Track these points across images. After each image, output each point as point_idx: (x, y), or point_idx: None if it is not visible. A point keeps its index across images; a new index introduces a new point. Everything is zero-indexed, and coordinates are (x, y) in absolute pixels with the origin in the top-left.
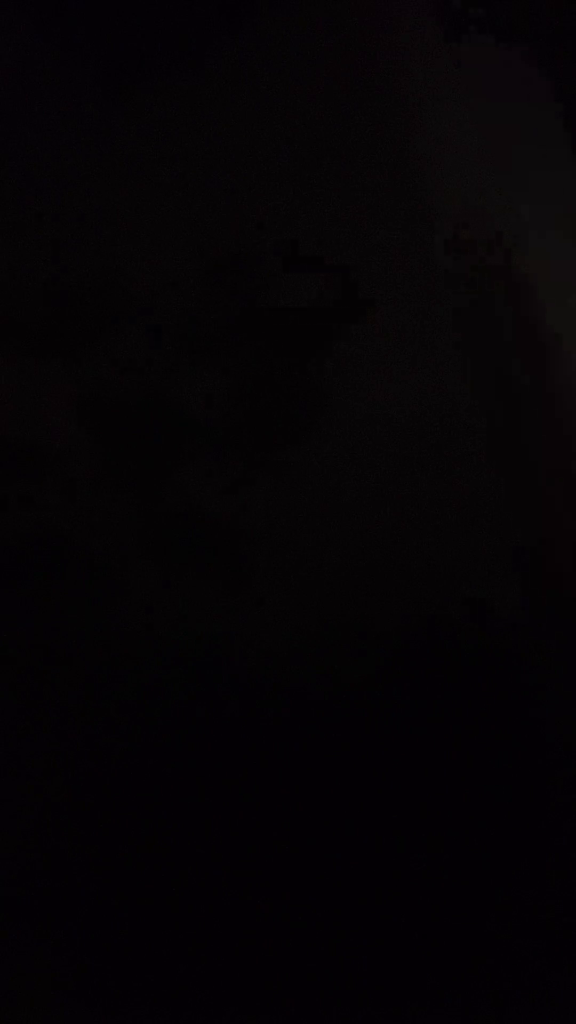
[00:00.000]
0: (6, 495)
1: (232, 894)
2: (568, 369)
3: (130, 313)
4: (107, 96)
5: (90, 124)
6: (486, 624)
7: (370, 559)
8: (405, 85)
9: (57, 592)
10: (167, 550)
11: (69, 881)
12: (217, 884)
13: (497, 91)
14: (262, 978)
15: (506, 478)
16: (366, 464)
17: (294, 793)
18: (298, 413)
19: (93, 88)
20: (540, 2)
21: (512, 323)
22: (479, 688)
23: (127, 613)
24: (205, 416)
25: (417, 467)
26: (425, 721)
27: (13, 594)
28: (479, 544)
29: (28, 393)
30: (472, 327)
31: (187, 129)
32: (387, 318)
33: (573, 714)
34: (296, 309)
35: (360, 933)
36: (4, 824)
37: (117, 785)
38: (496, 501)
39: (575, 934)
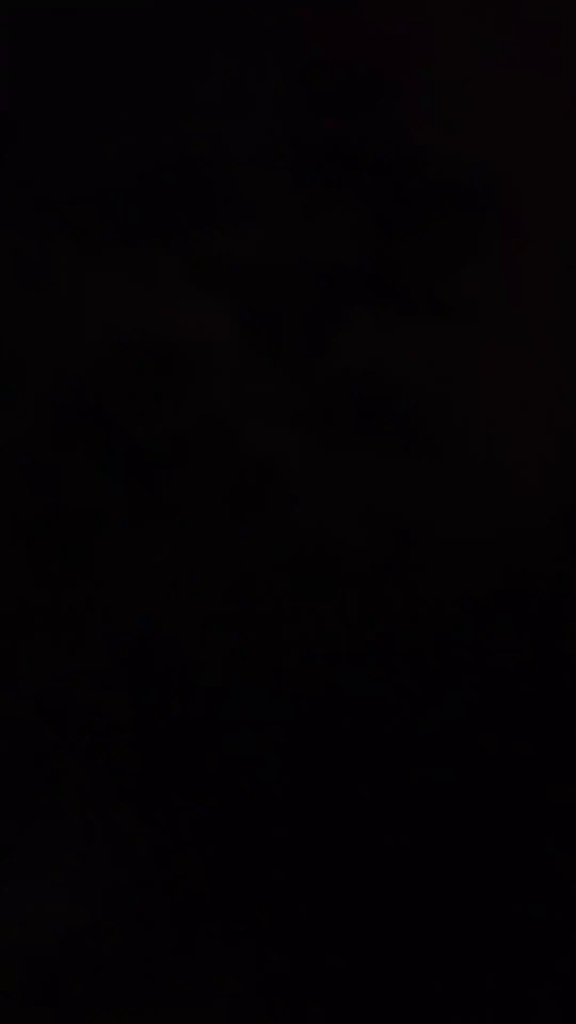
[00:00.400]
0: (161, 391)
1: (243, 882)
2: None
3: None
4: None
5: None
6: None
7: None
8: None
9: (220, 482)
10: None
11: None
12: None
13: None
14: (262, 977)
15: None
16: None
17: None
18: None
19: None
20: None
21: None
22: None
23: (290, 500)
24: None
25: None
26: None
27: (175, 491)
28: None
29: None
30: None
31: None
32: None
33: None
34: None
35: (379, 924)
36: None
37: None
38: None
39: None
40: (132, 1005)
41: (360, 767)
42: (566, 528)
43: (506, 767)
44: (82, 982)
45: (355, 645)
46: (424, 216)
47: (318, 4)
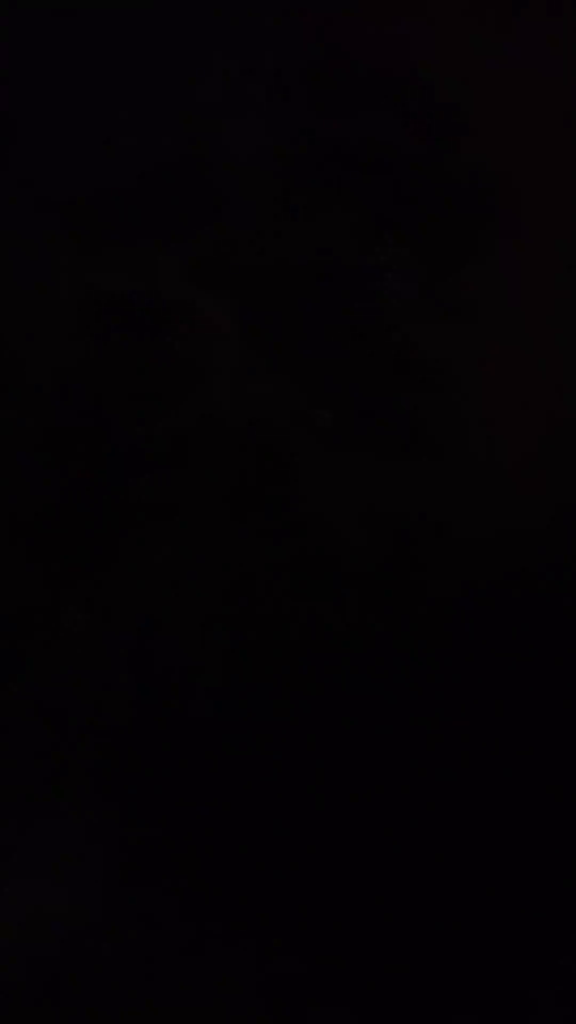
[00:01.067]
0: (161, 391)
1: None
2: None
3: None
4: None
5: None
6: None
7: None
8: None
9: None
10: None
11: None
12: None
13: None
14: (262, 977)
15: None
16: None
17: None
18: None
19: None
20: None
21: None
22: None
23: (290, 500)
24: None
25: None
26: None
27: (185, 485)
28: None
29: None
30: None
31: None
32: None
33: None
34: None
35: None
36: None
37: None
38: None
39: None
40: (132, 1005)
41: (361, 766)
42: (566, 528)
43: (507, 766)
44: (82, 982)
45: (356, 644)
46: (424, 216)
47: (318, 4)
